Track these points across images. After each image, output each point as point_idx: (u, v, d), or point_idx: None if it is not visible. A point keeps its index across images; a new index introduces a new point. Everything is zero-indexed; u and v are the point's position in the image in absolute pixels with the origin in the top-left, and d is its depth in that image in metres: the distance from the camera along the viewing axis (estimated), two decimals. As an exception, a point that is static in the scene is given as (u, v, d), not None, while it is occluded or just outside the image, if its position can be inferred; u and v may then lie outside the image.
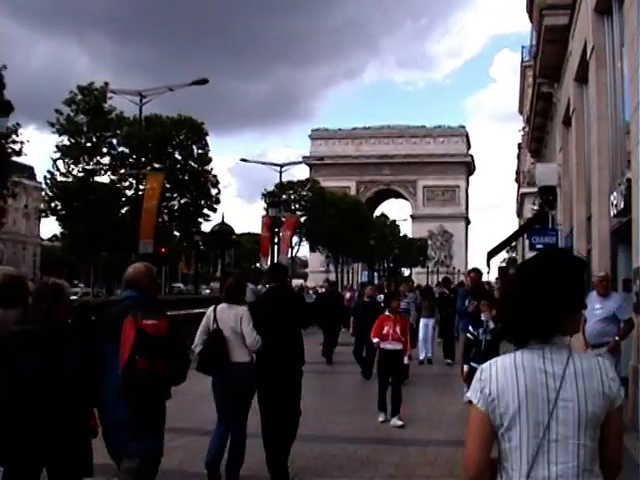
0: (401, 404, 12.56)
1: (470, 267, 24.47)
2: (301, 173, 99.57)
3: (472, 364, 12.13)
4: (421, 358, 21.48)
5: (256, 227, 63.12)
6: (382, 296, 19.64)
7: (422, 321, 22.46)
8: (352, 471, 9.50)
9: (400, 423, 12.23)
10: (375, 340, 13.21)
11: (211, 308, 9.05)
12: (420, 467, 9.76)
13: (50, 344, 5.66)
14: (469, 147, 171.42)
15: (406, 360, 13.08)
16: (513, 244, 65.84)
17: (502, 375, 3.05)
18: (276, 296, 9.27)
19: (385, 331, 12.70)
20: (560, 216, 27.48)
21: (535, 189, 36.92)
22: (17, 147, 44.84)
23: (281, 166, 59.35)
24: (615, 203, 14.42)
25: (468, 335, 13.11)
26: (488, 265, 52.90)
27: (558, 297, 3.02)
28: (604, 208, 16.36)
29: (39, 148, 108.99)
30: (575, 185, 21.72)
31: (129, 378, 5.66)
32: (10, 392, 5.55)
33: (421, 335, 22.10)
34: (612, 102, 16.72)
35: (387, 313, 13.03)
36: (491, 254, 46.86)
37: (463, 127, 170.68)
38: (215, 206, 66.16)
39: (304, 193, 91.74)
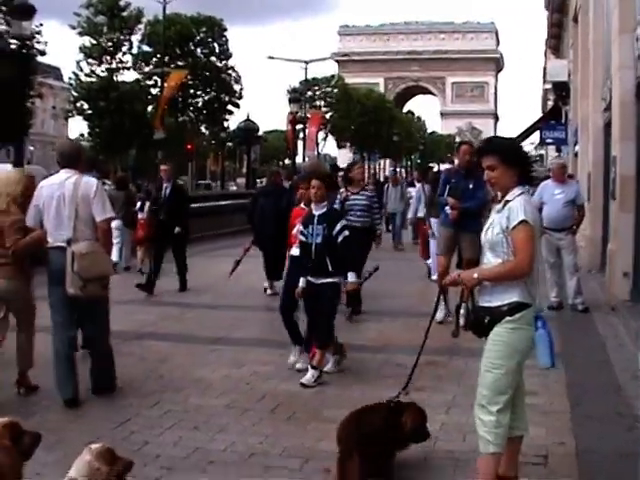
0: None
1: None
2: (331, 71, 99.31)
3: None
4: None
5: (284, 125, 63.30)
6: None
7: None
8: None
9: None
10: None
11: None
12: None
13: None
14: (498, 43, 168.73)
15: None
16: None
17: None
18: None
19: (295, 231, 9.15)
20: (572, 112, 27.83)
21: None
22: (41, 47, 44.58)
23: (307, 62, 59.45)
24: (604, 97, 14.95)
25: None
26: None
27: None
28: (597, 103, 16.86)
29: (66, 49, 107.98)
30: (580, 81, 22.09)
31: None
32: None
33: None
34: (607, -2, 17.02)
35: (302, 206, 9.45)
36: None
37: (492, 23, 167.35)
38: (238, 102, 66.47)
39: (329, 90, 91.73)
